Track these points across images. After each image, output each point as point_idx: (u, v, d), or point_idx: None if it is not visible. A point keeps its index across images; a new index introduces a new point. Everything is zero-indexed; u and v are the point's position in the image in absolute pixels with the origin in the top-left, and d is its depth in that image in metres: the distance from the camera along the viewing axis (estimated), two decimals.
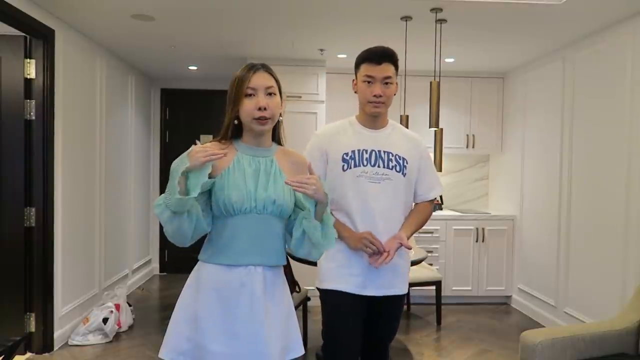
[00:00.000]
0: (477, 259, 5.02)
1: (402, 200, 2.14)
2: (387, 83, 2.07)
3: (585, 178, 3.87)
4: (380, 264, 2.00)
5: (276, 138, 1.75)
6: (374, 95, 2.06)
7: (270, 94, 1.63)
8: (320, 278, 2.17)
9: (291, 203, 1.64)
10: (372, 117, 2.13)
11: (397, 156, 2.11)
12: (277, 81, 1.67)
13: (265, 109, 1.60)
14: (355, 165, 2.09)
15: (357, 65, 2.13)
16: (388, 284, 2.12)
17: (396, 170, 2.11)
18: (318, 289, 2.19)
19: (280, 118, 1.71)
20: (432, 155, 3.61)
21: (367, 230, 2.05)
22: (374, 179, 2.08)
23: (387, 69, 2.06)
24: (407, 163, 2.13)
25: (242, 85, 1.61)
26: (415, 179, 2.18)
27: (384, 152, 2.11)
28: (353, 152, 2.10)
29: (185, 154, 1.50)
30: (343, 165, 2.10)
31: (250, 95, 1.61)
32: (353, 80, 2.17)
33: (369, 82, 2.07)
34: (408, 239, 2.09)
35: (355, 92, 2.15)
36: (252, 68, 1.64)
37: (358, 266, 2.09)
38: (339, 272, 2.11)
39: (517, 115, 5.03)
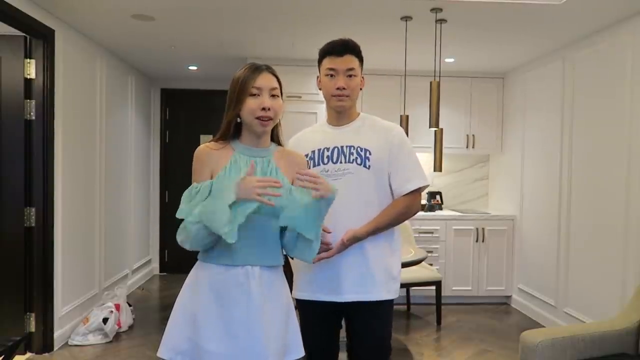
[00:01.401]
0: (477, 259, 5.02)
1: (369, 196, 1.96)
2: (350, 76, 1.96)
3: (585, 178, 3.87)
4: (317, 260, 1.84)
5: (274, 138, 1.76)
6: (337, 88, 1.95)
7: (274, 95, 1.64)
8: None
9: None
10: (337, 112, 2.03)
11: (358, 148, 1.97)
12: (280, 83, 1.69)
13: (269, 109, 1.61)
14: (314, 165, 1.99)
15: (320, 61, 2.02)
16: (342, 289, 1.94)
17: (357, 163, 1.96)
18: None
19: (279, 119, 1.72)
20: (432, 155, 3.62)
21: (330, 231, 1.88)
22: (335, 176, 1.95)
23: (349, 60, 1.96)
24: (369, 154, 1.96)
25: (247, 84, 1.61)
26: (389, 172, 1.99)
27: (346, 146, 1.98)
28: (313, 152, 2.01)
29: (236, 182, 1.51)
30: None
31: (254, 95, 1.62)
32: (317, 77, 2.06)
33: (331, 75, 1.96)
34: (365, 236, 1.91)
35: (320, 89, 2.05)
36: (258, 69, 1.65)
37: (308, 272, 1.98)
38: (298, 279, 2.05)
39: (517, 115, 5.03)
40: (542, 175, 4.52)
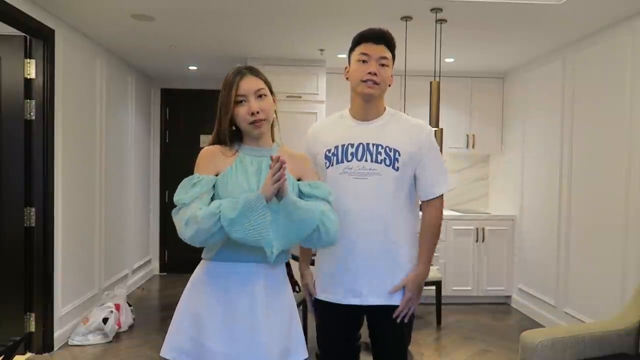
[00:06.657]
0: (477, 259, 5.01)
1: (393, 199, 1.89)
2: (383, 65, 1.88)
3: (585, 178, 3.87)
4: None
5: (273, 138, 1.76)
6: (369, 73, 1.86)
7: (260, 95, 1.64)
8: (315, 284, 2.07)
9: None
10: (365, 102, 1.92)
11: (387, 148, 1.88)
12: (266, 82, 1.68)
13: (258, 112, 1.61)
14: (337, 162, 1.91)
15: (353, 48, 1.95)
16: (364, 292, 1.89)
17: (385, 164, 1.87)
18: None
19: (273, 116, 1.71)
20: None
21: (349, 234, 1.84)
22: (359, 175, 1.88)
23: (384, 50, 1.90)
24: (399, 155, 1.88)
25: (231, 94, 1.61)
26: (415, 172, 1.93)
27: (373, 144, 1.89)
28: (336, 147, 1.91)
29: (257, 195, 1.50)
30: (326, 163, 1.93)
31: (241, 102, 1.62)
32: (345, 67, 1.99)
33: (364, 60, 1.88)
34: (428, 271, 1.93)
35: (347, 78, 1.96)
36: (239, 74, 1.64)
37: (331, 273, 1.93)
38: (324, 280, 1.97)
39: (517, 115, 5.03)
40: (542, 175, 4.52)
